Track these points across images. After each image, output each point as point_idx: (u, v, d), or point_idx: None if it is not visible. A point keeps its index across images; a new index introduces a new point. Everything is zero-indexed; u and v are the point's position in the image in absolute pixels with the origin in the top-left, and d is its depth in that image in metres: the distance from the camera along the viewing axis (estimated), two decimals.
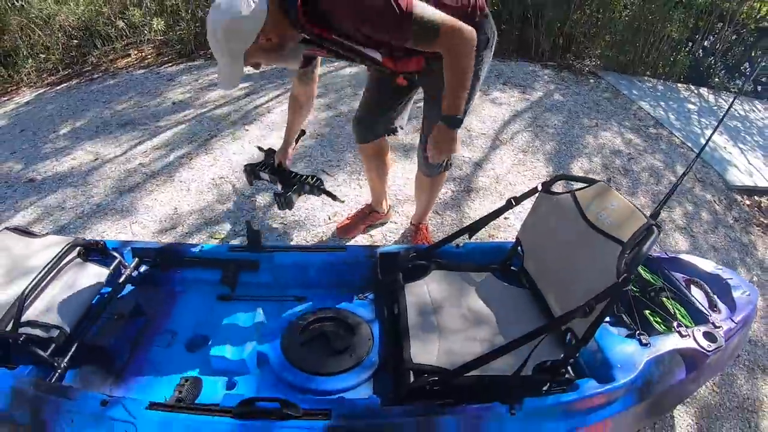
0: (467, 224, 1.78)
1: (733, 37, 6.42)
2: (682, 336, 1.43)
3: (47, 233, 2.03)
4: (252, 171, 2.51)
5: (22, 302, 1.42)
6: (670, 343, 1.41)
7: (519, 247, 1.74)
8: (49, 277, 1.56)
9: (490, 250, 1.84)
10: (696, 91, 5.87)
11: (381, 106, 2.00)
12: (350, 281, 1.75)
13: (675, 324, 1.48)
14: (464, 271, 1.73)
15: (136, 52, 4.89)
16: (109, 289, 1.66)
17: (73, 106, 3.95)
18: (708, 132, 4.77)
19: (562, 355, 1.28)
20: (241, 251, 1.77)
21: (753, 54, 6.75)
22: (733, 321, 1.55)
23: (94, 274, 1.69)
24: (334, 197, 2.18)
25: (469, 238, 1.81)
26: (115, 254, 1.75)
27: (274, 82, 4.21)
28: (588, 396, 1.25)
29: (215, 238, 2.37)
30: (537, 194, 1.66)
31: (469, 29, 1.38)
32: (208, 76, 4.34)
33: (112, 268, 1.71)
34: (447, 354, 1.38)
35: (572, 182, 1.62)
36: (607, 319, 1.60)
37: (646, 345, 1.38)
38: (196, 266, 1.79)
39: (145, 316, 1.63)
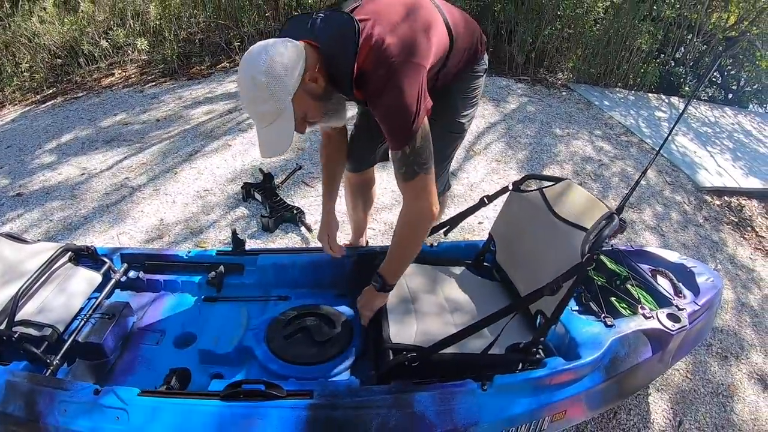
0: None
1: (703, 47, 6.70)
2: (646, 318, 1.54)
3: (38, 240, 2.10)
4: (248, 190, 2.77)
5: (16, 302, 1.48)
6: (634, 324, 1.52)
7: (491, 243, 1.85)
8: (41, 280, 1.62)
9: (463, 248, 1.95)
10: (666, 101, 6.10)
11: (372, 138, 1.87)
12: (331, 281, 1.83)
13: (639, 307, 1.59)
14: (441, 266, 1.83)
15: (120, 71, 4.97)
16: (100, 293, 1.72)
17: (59, 123, 4.01)
18: (678, 138, 4.97)
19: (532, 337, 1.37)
20: (226, 255, 1.84)
21: (722, 63, 7.05)
22: (696, 304, 1.67)
23: (85, 277, 1.75)
24: (310, 230, 2.53)
25: (444, 235, 1.92)
26: (105, 259, 1.82)
27: None
28: (555, 372, 1.33)
29: (200, 247, 2.44)
30: (508, 193, 1.78)
31: (435, 211, 1.37)
32: (191, 94, 4.43)
33: (102, 272, 1.77)
34: (424, 334, 1.46)
35: (541, 181, 1.73)
36: (575, 307, 1.72)
37: (611, 326, 1.49)
38: (183, 270, 1.86)
39: (134, 317, 1.69)
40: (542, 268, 1.49)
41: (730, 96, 6.96)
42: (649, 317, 1.55)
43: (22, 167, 3.35)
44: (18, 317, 1.45)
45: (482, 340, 1.41)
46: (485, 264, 1.88)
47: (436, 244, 1.92)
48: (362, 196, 2.10)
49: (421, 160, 1.31)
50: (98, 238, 2.55)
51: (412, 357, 1.30)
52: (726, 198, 3.99)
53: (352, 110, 1.66)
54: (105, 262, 1.81)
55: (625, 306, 1.67)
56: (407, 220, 1.40)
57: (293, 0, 5.31)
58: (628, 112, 5.26)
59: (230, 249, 1.86)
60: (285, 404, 1.18)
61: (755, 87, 7.21)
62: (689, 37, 6.55)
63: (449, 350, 1.31)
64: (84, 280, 1.74)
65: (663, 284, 1.74)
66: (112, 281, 1.79)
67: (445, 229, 1.88)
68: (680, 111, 5.74)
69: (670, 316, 1.57)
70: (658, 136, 4.86)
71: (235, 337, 1.54)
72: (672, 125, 1.97)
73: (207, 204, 2.83)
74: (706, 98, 6.75)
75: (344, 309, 1.68)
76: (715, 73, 7.16)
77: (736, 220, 3.82)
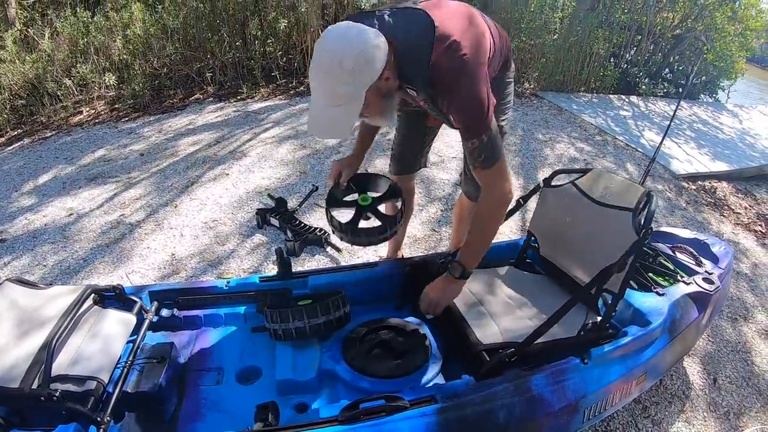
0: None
1: (651, 47, 7.11)
2: (686, 284, 1.74)
3: (51, 283, 1.95)
4: (263, 216, 2.66)
5: (50, 355, 1.33)
6: (679, 290, 1.70)
7: (531, 240, 1.93)
8: (69, 327, 1.46)
9: (503, 248, 2.02)
10: (627, 100, 6.43)
11: (414, 143, 1.95)
12: (387, 294, 1.81)
13: (677, 276, 1.78)
14: (488, 268, 1.88)
15: (88, 108, 4.77)
16: (136, 336, 1.61)
17: (32, 164, 3.79)
18: (646, 133, 5.24)
19: (598, 317, 1.53)
20: (271, 281, 1.77)
21: (671, 60, 7.50)
22: (720, 268, 1.90)
23: (117, 320, 1.62)
24: (338, 249, 2.46)
25: None
26: (134, 299, 1.71)
27: (242, 127, 4.25)
28: (637, 338, 1.48)
29: (224, 278, 2.34)
30: (540, 191, 1.87)
31: (511, 191, 1.42)
32: (171, 126, 4.31)
33: (134, 312, 1.66)
34: (507, 332, 1.54)
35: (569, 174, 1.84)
36: None
37: (662, 295, 1.65)
38: (222, 302, 1.77)
39: (181, 358, 1.59)
40: (597, 252, 1.62)
41: (680, 90, 7.39)
42: (689, 283, 1.75)
43: None
44: (52, 372, 1.30)
45: (557, 327, 1.47)
46: (527, 260, 1.96)
47: None
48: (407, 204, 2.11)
49: (497, 147, 1.37)
50: (104, 280, 2.40)
51: (511, 353, 1.36)
52: (700, 182, 4.27)
53: None
54: (135, 302, 1.69)
55: (663, 278, 1.82)
56: (490, 206, 1.43)
57: (261, 29, 5.28)
58: (596, 113, 5.51)
59: (274, 274, 1.79)
60: (412, 414, 1.15)
61: (703, 79, 7.70)
62: (638, 38, 6.96)
63: (540, 340, 1.40)
64: (118, 323, 1.61)
65: (685, 257, 1.94)
66: (147, 321, 1.68)
67: None
68: (640, 108, 6.05)
69: (706, 280, 1.77)
70: (628, 133, 5.10)
71: (312, 362, 1.48)
72: (665, 130, 2.24)
73: (219, 234, 2.72)
74: (662, 94, 7.15)
75: (409, 319, 1.68)
76: (665, 71, 7.62)
77: (712, 201, 4.14)
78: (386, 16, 1.31)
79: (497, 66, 1.62)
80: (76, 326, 1.53)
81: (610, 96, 6.38)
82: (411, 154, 1.96)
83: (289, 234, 2.50)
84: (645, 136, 5.13)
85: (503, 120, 1.76)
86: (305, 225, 2.56)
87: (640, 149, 4.63)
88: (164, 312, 1.76)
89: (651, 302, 1.61)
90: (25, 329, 1.45)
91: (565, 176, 1.85)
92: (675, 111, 2.46)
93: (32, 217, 3.03)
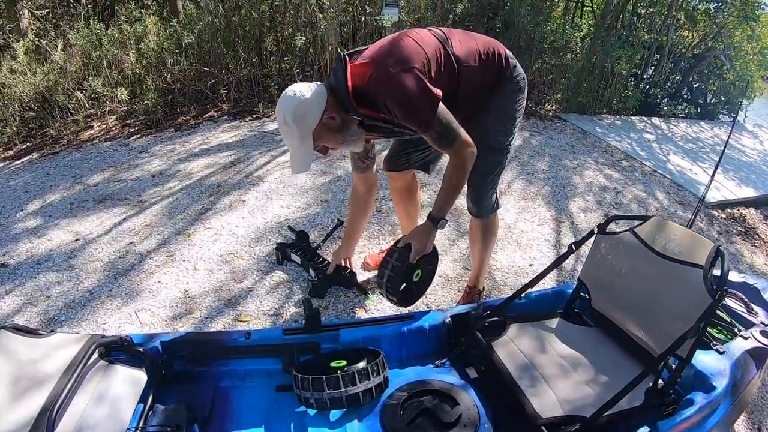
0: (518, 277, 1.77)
1: (670, 67, 6.97)
2: (744, 339, 1.60)
3: (52, 330, 1.79)
4: (284, 251, 2.47)
5: (51, 423, 1.19)
6: (739, 346, 1.56)
7: (581, 289, 1.80)
8: (72, 388, 1.30)
9: (549, 296, 1.90)
10: (649, 122, 6.27)
11: (410, 147, 2.09)
12: (424, 349, 1.67)
13: (735, 330, 1.64)
14: (535, 321, 1.76)
15: (99, 123, 4.65)
16: (147, 394, 1.44)
17: (40, 181, 3.65)
18: (671, 157, 5.08)
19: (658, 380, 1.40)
20: (297, 333, 1.61)
21: (690, 80, 7.36)
22: None
23: (125, 378, 1.47)
24: (364, 291, 2.30)
25: (531, 287, 1.81)
26: (144, 350, 1.54)
27: (258, 149, 4.09)
28: (704, 407, 1.36)
29: (242, 321, 2.16)
30: (594, 237, 1.75)
31: (474, 150, 1.63)
32: (184, 146, 4.17)
33: (145, 369, 1.50)
34: (566, 402, 1.42)
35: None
36: None
37: (722, 353, 1.52)
38: (243, 356, 1.60)
39: (199, 422, 1.42)
40: (660, 310, 1.50)
41: (700, 110, 7.26)
42: (747, 338, 1.61)
43: (2, 233, 2.98)
44: None
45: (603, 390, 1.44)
46: (575, 310, 1.84)
47: (523, 296, 1.81)
48: (407, 201, 2.31)
49: (452, 130, 1.57)
50: (111, 318, 2.24)
51: (576, 430, 1.28)
52: (729, 210, 4.13)
53: None
54: (146, 355, 1.53)
55: (718, 330, 1.69)
56: (457, 167, 1.63)
57: (276, 45, 5.17)
58: (621, 137, 5.35)
59: (299, 325, 1.63)
60: None
61: (722, 99, 7.56)
62: (656, 57, 6.82)
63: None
64: (126, 382, 1.46)
65: (736, 305, 1.79)
66: (158, 378, 1.51)
67: (532, 281, 1.78)
68: (663, 130, 5.89)
69: (763, 333, 1.63)
70: (654, 158, 4.94)
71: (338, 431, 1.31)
72: (715, 166, 2.18)
73: (236, 270, 2.54)
74: (683, 115, 7.00)
75: (452, 379, 1.54)
76: (684, 90, 7.48)
77: (743, 230, 4.00)
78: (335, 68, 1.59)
79: (478, 77, 1.70)
80: (80, 385, 1.37)
81: (632, 118, 6.23)
82: (397, 151, 2.11)
83: (312, 273, 2.30)
84: (671, 161, 4.96)
85: (503, 135, 1.85)
86: (329, 262, 2.37)
87: (668, 175, 4.47)
88: (177, 365, 1.60)
89: (712, 362, 1.49)
90: (23, 387, 1.30)
91: (616, 222, 1.74)
92: (726, 144, 2.29)
93: (37, 240, 2.88)
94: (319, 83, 1.57)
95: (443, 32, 1.68)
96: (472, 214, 2.04)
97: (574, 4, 7.00)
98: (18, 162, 4.13)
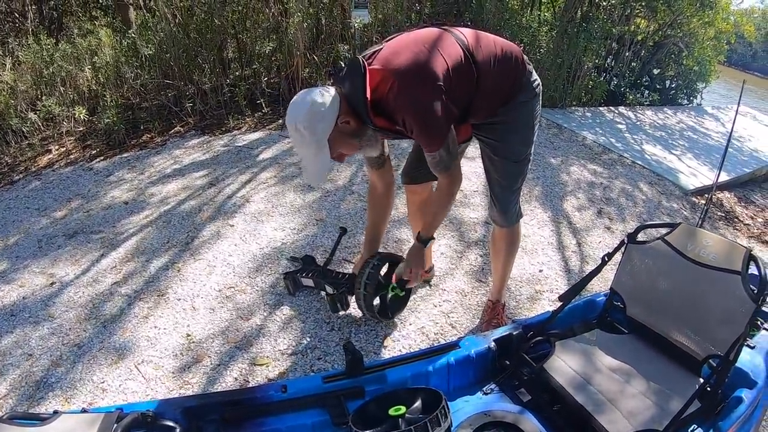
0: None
1: (631, 55, 7.13)
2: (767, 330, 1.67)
3: (55, 411, 1.58)
4: (294, 279, 2.29)
5: None
6: (765, 339, 1.62)
7: (614, 299, 1.82)
8: None
9: (580, 307, 1.90)
10: (616, 111, 6.41)
11: (413, 156, 2.08)
12: (470, 377, 1.64)
13: (758, 323, 1.66)
14: (576, 335, 1.76)
15: (57, 146, 4.30)
16: None
17: (0, 216, 3.33)
18: (645, 147, 5.19)
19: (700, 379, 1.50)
20: (339, 379, 1.49)
21: (650, 68, 7.58)
22: None
23: None
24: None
25: (566, 302, 1.77)
26: (170, 423, 1.38)
27: (236, 166, 3.85)
28: (753, 401, 1.40)
29: (260, 365, 2.00)
30: (625, 247, 1.77)
31: (460, 178, 1.73)
32: (154, 167, 3.89)
33: None
34: (633, 417, 1.42)
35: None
36: None
37: (753, 347, 1.57)
38: (282, 412, 1.47)
39: None
40: (702, 314, 1.54)
41: (660, 96, 7.50)
42: None
43: None
44: None
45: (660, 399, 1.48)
46: (608, 318, 1.85)
47: (556, 307, 1.77)
48: (420, 212, 2.22)
49: (453, 156, 1.63)
50: (109, 375, 2.02)
51: None
52: (707, 195, 4.25)
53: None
54: (172, 428, 1.38)
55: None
56: (447, 191, 1.72)
57: (239, 52, 4.93)
58: (594, 130, 5.43)
59: (338, 370, 1.52)
60: None
61: (680, 83, 7.85)
62: (614, 46, 6.98)
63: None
64: None
65: None
66: None
67: (565, 294, 1.76)
68: (632, 119, 6.01)
69: None
70: (630, 148, 5.03)
71: None
72: (719, 164, 2.24)
73: (239, 306, 2.35)
74: (647, 103, 7.19)
75: (508, 406, 1.50)
76: (644, 78, 7.70)
77: (723, 214, 4.13)
78: (341, 74, 1.52)
79: (497, 84, 1.66)
80: None
81: (601, 108, 6.34)
82: (412, 164, 2.10)
83: (329, 289, 2.14)
84: (646, 150, 5.07)
85: (524, 145, 1.82)
86: (344, 274, 2.23)
87: (647, 166, 4.55)
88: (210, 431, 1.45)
89: (747, 357, 1.53)
90: None
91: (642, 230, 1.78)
92: (728, 142, 2.30)
93: (6, 287, 2.59)
94: (327, 87, 1.53)
95: (465, 37, 1.61)
96: (497, 224, 2.03)
97: None
98: None
